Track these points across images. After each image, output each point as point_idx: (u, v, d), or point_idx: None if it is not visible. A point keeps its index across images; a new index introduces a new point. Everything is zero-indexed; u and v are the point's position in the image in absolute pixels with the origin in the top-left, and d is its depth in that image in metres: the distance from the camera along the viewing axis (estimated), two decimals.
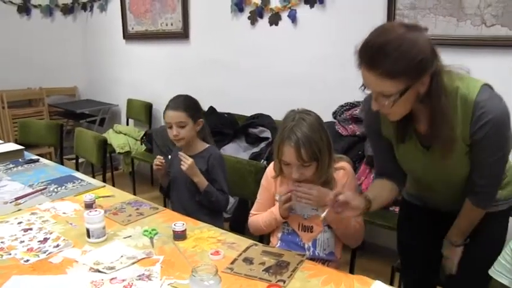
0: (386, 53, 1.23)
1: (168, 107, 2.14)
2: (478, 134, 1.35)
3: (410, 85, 1.27)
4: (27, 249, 1.62)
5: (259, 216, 1.86)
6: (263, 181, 1.89)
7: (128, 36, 4.70)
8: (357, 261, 2.26)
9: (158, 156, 2.21)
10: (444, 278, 1.65)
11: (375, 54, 1.25)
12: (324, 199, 1.58)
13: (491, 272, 1.35)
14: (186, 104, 2.14)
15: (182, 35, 4.16)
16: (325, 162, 1.64)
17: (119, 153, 4.25)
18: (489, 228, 1.51)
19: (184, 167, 2.07)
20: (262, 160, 3.27)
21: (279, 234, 1.80)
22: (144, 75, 4.64)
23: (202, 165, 2.16)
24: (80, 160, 3.71)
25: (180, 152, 2.11)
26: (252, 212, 1.92)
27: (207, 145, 2.25)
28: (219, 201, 2.15)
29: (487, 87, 1.37)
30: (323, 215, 1.48)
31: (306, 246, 1.74)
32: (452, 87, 1.35)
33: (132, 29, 4.64)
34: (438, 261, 1.65)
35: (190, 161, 2.07)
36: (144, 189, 4.26)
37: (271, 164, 1.85)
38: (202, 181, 2.11)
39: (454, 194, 1.55)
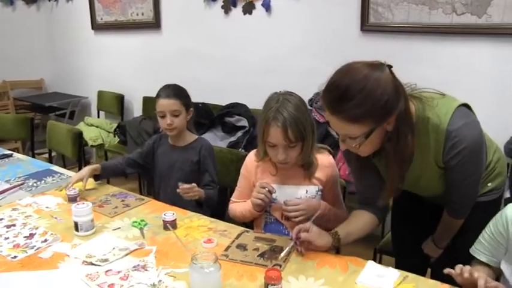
0: (349, 98, 1.21)
1: (160, 96, 2.09)
2: (451, 161, 1.37)
3: (376, 127, 1.27)
4: (14, 246, 1.58)
5: (238, 205, 1.87)
6: (242, 169, 1.90)
7: (97, 26, 4.59)
8: (342, 247, 2.32)
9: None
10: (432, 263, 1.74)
11: (338, 98, 1.23)
12: (314, 207, 1.63)
13: (472, 250, 1.42)
14: (179, 92, 2.12)
15: (154, 25, 4.09)
16: (309, 143, 1.66)
17: (92, 146, 4.16)
18: (480, 217, 1.52)
19: (193, 196, 1.95)
20: (240, 149, 3.28)
21: (262, 224, 1.82)
22: (115, 67, 4.54)
23: (194, 156, 2.14)
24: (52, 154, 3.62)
25: (181, 186, 1.91)
26: (232, 199, 1.93)
27: (196, 136, 2.23)
28: (214, 198, 2.12)
29: (461, 109, 1.35)
30: (287, 248, 1.48)
31: (291, 234, 1.74)
32: (423, 117, 1.35)
33: (101, 19, 4.52)
34: None
35: (193, 189, 1.94)
36: (118, 182, 4.14)
37: (251, 153, 1.87)
38: (201, 194, 2.03)
39: (437, 198, 1.60)
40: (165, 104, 2.07)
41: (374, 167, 1.55)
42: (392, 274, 1.36)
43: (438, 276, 1.39)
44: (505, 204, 1.93)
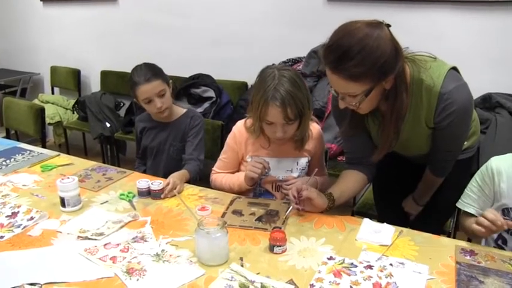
0: (350, 57, 1.23)
1: (138, 83, 1.93)
2: (442, 122, 1.43)
3: (375, 85, 1.30)
4: None
5: (224, 176, 1.83)
6: (230, 140, 1.84)
7: None
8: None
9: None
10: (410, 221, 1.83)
11: (339, 57, 1.25)
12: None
13: (459, 204, 1.51)
14: (154, 70, 1.99)
15: None
16: (307, 119, 1.66)
17: (49, 124, 3.97)
18: (455, 174, 1.64)
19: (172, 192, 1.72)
20: (210, 119, 3.26)
21: (251, 195, 1.79)
22: (68, 41, 4.30)
23: (186, 130, 2.08)
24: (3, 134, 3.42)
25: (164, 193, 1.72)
26: (214, 169, 1.89)
27: (185, 109, 2.15)
28: (196, 173, 2.01)
29: (452, 72, 1.40)
30: (287, 212, 1.52)
31: (287, 197, 1.76)
32: (417, 79, 1.39)
33: None
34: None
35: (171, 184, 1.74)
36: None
37: (239, 123, 1.82)
38: (186, 178, 1.90)
39: (421, 156, 1.66)
40: (149, 88, 1.94)
41: (364, 128, 1.59)
42: (389, 229, 1.42)
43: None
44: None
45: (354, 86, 1.30)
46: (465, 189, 1.51)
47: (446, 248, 1.32)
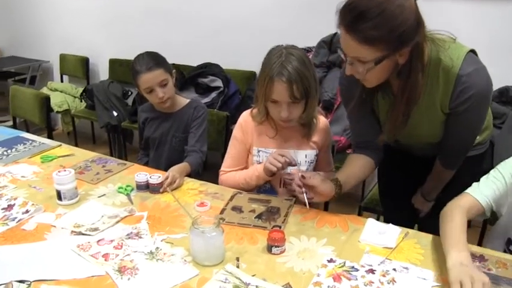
0: (367, 18, 1.16)
1: (139, 72, 1.88)
2: (458, 107, 1.34)
3: (388, 55, 1.22)
4: None
5: (237, 173, 1.72)
6: (236, 132, 1.75)
7: None
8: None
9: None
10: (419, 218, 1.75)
11: (356, 17, 1.18)
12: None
13: (477, 194, 1.31)
14: (157, 59, 1.93)
15: None
16: (314, 100, 1.58)
17: (57, 112, 3.96)
18: (465, 172, 1.55)
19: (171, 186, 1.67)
20: (215, 110, 3.20)
21: (255, 190, 1.71)
22: (77, 28, 4.27)
23: (188, 121, 2.02)
24: (11, 123, 3.42)
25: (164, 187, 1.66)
26: (223, 169, 1.77)
27: (188, 100, 2.09)
28: (197, 165, 1.95)
29: (471, 55, 1.32)
30: (306, 201, 1.45)
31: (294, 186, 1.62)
32: (435, 58, 1.31)
33: None
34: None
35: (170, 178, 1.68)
36: (87, 148, 3.96)
37: (245, 113, 1.75)
38: (187, 171, 1.84)
39: (430, 148, 1.59)
40: (150, 77, 1.88)
41: (372, 111, 1.52)
42: (394, 231, 1.36)
43: (425, 230, 1.40)
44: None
45: (366, 51, 1.22)
46: (486, 181, 1.34)
47: None
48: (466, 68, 1.29)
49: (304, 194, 1.45)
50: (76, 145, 3.97)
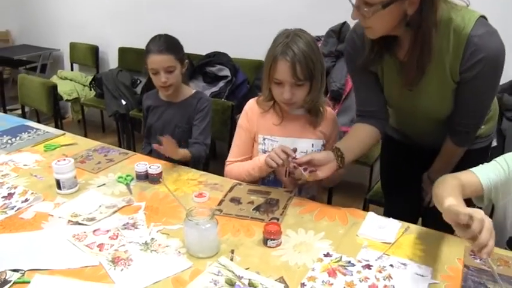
0: None
1: (150, 51, 1.88)
2: (468, 72, 1.29)
3: None
4: None
5: (241, 164, 1.68)
6: (241, 120, 1.71)
7: None
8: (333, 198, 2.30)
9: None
10: (423, 209, 1.69)
11: None
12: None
13: (482, 176, 1.25)
14: (171, 45, 1.91)
15: None
16: (318, 85, 1.53)
17: (67, 100, 3.98)
18: (470, 167, 1.42)
19: (168, 153, 1.74)
20: (223, 99, 3.18)
21: (259, 182, 1.68)
22: (87, 16, 4.27)
23: (192, 113, 1.99)
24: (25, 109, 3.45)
25: (163, 140, 1.71)
26: (229, 159, 1.73)
27: (194, 90, 2.06)
28: (200, 156, 1.94)
29: (483, 20, 1.28)
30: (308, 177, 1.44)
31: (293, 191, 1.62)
32: (446, 18, 1.27)
33: None
34: (420, 193, 1.68)
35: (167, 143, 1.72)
36: (96, 137, 3.96)
37: (251, 101, 1.72)
38: (184, 154, 1.84)
39: (436, 131, 1.54)
40: (158, 60, 1.87)
41: (377, 81, 1.50)
42: (394, 225, 1.32)
43: (430, 225, 1.36)
44: (492, 154, 1.88)
45: None
46: (492, 165, 1.27)
47: (455, 249, 1.21)
48: (478, 30, 1.24)
49: (301, 169, 1.43)
50: (85, 134, 4.02)
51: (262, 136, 1.66)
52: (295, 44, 1.46)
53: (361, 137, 1.54)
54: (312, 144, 1.64)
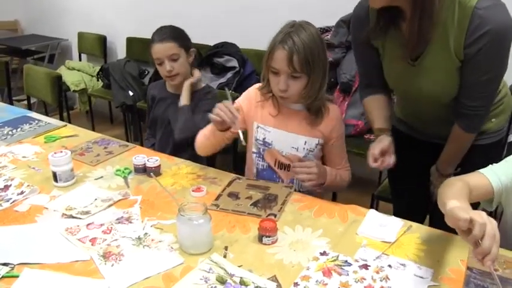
0: None
1: (153, 41, 1.88)
2: (473, 46, 1.23)
3: None
4: None
5: (203, 130, 1.63)
6: (243, 99, 1.66)
7: None
8: (338, 193, 2.24)
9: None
10: (432, 205, 1.63)
11: None
12: (323, 175, 1.50)
13: (491, 176, 1.17)
14: (174, 33, 1.90)
15: None
16: (316, 81, 1.46)
17: (74, 91, 3.97)
18: (480, 162, 1.33)
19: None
20: (230, 90, 3.13)
21: (254, 170, 1.65)
22: (95, 5, 4.25)
23: (206, 105, 1.90)
24: (32, 100, 3.44)
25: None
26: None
27: (204, 84, 2.03)
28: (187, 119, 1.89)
29: None
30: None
31: (285, 182, 1.60)
32: None
33: None
34: (428, 189, 1.62)
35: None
36: (103, 128, 4.03)
37: (256, 86, 1.65)
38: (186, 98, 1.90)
39: (441, 119, 1.48)
40: (160, 48, 1.86)
41: (378, 56, 1.50)
42: (395, 224, 1.27)
43: (437, 224, 1.29)
44: (509, 149, 1.81)
45: None
46: (504, 164, 1.20)
47: (458, 249, 1.16)
48: (484, 2, 1.20)
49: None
50: (93, 125, 4.02)
51: (257, 124, 1.61)
52: (296, 35, 1.41)
53: (384, 107, 1.58)
54: (305, 142, 1.57)
